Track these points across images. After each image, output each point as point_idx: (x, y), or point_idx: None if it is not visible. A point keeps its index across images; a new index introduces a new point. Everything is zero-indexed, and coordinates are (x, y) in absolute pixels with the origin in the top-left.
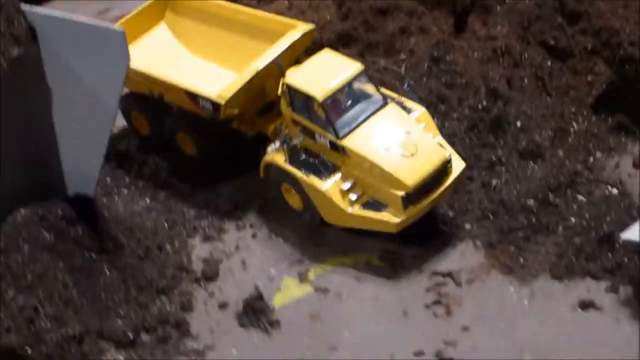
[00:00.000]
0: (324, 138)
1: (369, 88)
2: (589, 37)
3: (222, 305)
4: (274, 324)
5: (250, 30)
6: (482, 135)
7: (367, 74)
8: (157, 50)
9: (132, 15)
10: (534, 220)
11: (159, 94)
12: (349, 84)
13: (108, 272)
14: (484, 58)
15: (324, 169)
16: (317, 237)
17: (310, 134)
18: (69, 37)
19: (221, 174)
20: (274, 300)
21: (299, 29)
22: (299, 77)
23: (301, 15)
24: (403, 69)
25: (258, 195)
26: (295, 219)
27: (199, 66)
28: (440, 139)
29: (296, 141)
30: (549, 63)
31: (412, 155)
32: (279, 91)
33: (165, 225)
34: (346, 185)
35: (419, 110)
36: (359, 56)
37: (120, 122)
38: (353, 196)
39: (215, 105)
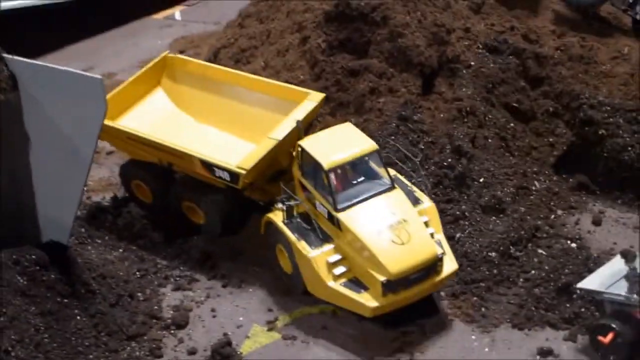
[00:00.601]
0: (323, 207)
1: (380, 169)
2: (551, 100)
3: (191, 352)
4: None
5: (255, 96)
6: (447, 191)
7: (380, 155)
8: (158, 118)
9: (129, 81)
10: (495, 271)
11: (168, 163)
12: (359, 160)
13: (79, 317)
14: (450, 118)
15: (315, 237)
16: (287, 288)
17: (312, 200)
18: (48, 84)
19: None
20: (242, 347)
21: (313, 98)
22: (313, 142)
23: (276, 75)
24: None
25: (230, 246)
26: (266, 270)
27: (203, 133)
28: (441, 236)
29: (293, 202)
30: (512, 124)
31: (403, 244)
32: (294, 153)
33: (137, 274)
34: (333, 258)
35: (427, 203)
36: (329, 115)
37: (95, 173)
38: (337, 270)
39: (234, 176)
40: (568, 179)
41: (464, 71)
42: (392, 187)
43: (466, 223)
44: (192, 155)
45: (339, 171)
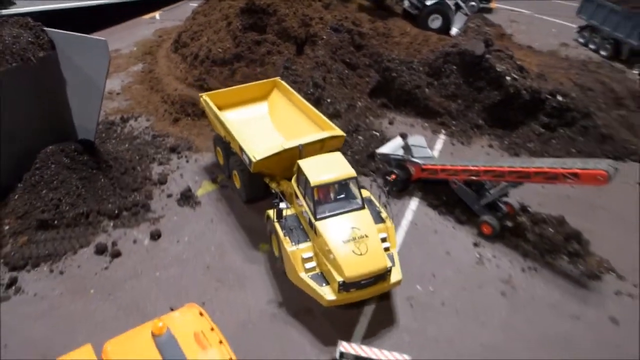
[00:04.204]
0: (307, 214)
1: (355, 191)
2: (367, 58)
3: (169, 196)
4: (197, 204)
5: (305, 119)
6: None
7: (357, 180)
8: (253, 112)
9: (242, 87)
10: None
11: (227, 141)
12: (340, 182)
13: (102, 180)
14: (311, 67)
15: (297, 235)
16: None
17: (301, 207)
18: (74, 45)
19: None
20: (197, 192)
21: (329, 132)
22: (308, 163)
23: (215, 44)
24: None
25: (188, 143)
26: (209, 150)
27: (266, 130)
28: (394, 251)
29: (283, 206)
30: (346, 71)
31: (361, 254)
32: (294, 167)
33: (137, 157)
34: (306, 255)
35: (389, 222)
36: (245, 67)
37: (110, 104)
38: (308, 265)
39: (249, 161)
40: (376, 100)
41: (319, 42)
42: (362, 207)
43: None
44: (234, 138)
45: (322, 188)
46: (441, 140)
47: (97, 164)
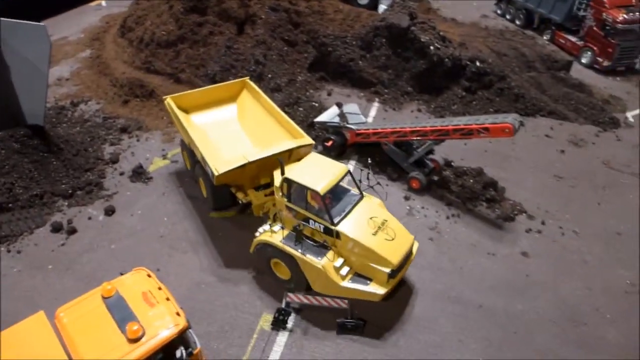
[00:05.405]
0: (317, 224)
1: (351, 184)
2: (304, 35)
3: (121, 173)
4: (149, 179)
5: (274, 123)
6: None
7: (351, 174)
8: (222, 114)
9: (209, 88)
10: None
11: (191, 150)
12: (339, 180)
13: (55, 162)
14: (253, 45)
15: (314, 249)
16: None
17: (305, 221)
18: (17, 31)
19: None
20: (149, 168)
21: (299, 141)
22: (298, 174)
23: (162, 26)
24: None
25: (137, 123)
26: (158, 128)
27: (233, 136)
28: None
29: (297, 225)
30: (285, 48)
31: (393, 239)
32: (278, 184)
33: (88, 138)
34: (338, 263)
35: (377, 200)
36: (189, 48)
37: (60, 90)
38: (343, 271)
39: (212, 174)
40: (315, 74)
41: (259, 21)
42: (362, 196)
43: None
44: (197, 148)
45: (329, 193)
46: (375, 107)
47: (48, 148)
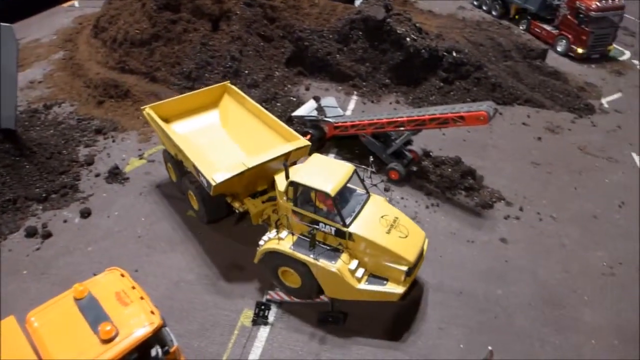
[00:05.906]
0: (328, 227)
1: (357, 183)
2: (280, 30)
3: (97, 175)
4: (126, 179)
5: (264, 128)
6: (225, 78)
7: (357, 172)
8: (204, 121)
9: (190, 94)
10: None
11: (179, 159)
12: (348, 180)
13: (28, 166)
14: (228, 41)
15: (325, 253)
16: (151, 135)
17: (314, 224)
18: None
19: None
20: (125, 169)
21: (295, 143)
22: (304, 177)
23: (135, 25)
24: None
25: (114, 124)
26: (134, 128)
27: (222, 140)
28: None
29: (311, 229)
30: (262, 43)
31: (407, 236)
32: (282, 189)
33: (62, 141)
34: (352, 265)
35: (381, 198)
36: (163, 46)
37: (33, 93)
38: (358, 274)
39: (208, 184)
40: (292, 69)
41: (234, 17)
42: (369, 195)
43: None
44: (187, 159)
45: (338, 194)
46: (354, 100)
47: (20, 151)
